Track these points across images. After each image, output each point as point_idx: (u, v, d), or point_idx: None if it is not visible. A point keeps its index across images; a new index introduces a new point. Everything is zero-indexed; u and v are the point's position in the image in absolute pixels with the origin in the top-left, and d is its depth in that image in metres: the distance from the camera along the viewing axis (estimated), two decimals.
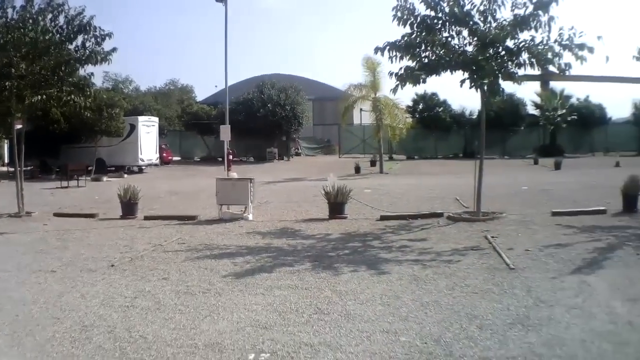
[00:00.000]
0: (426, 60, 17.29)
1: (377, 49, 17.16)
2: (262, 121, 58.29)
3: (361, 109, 53.60)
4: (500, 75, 17.38)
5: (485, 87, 17.29)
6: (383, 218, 18.65)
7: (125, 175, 46.53)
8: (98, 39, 21.11)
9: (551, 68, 17.17)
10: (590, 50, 16.24)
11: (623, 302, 8.97)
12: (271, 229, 17.42)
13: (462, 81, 17.39)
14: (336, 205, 19.21)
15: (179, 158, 64.05)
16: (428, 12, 17.10)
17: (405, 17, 16.87)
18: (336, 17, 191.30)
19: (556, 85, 69.53)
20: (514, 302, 9.17)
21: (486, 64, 16.92)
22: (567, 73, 17.09)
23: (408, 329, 8.03)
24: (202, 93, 76.72)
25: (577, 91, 68.22)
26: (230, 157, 46.66)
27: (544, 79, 64.28)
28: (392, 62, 17.31)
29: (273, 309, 9.16)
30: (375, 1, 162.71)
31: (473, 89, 17.52)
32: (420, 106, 66.94)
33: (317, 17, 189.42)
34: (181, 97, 77.33)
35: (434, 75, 17.44)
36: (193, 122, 63.28)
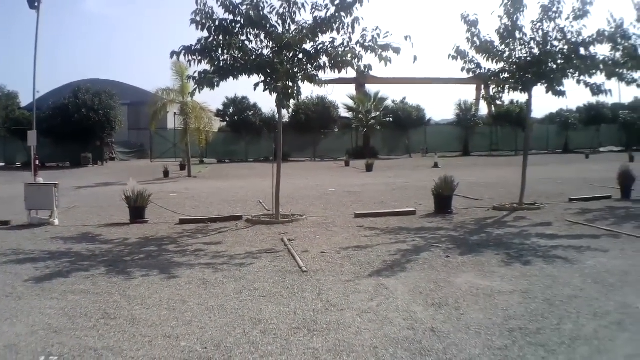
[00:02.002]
0: (222, 64, 17.18)
1: (173, 53, 16.74)
2: (77, 126, 56.73)
3: (175, 113, 53.21)
4: (297, 78, 17.42)
5: (280, 90, 17.26)
6: (182, 222, 18.36)
7: None
8: None
9: (351, 70, 17.23)
10: (396, 50, 16.28)
11: (426, 307, 8.89)
12: (74, 233, 16.78)
13: (257, 84, 17.30)
14: (136, 210, 18.76)
15: (2, 164, 62.27)
16: (227, 15, 16.85)
17: (203, 21, 16.71)
18: (154, 24, 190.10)
19: (371, 87, 71.22)
20: (302, 305, 9.06)
21: (281, 67, 16.91)
22: (367, 74, 17.31)
23: (190, 334, 7.93)
24: (26, 99, 74.50)
25: (393, 93, 69.88)
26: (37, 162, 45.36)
27: (351, 82, 65.71)
28: (190, 65, 17.07)
29: (64, 313, 9.02)
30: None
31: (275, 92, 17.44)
32: (231, 110, 67.00)
33: (136, 23, 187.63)
34: (6, 103, 75.11)
35: (230, 79, 17.26)
36: (14, 128, 61.56)
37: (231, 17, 16.82)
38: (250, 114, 66.28)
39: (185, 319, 8.59)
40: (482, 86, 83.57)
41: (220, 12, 16.91)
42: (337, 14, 16.58)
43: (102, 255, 13.67)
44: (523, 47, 19.53)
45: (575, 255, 12.32)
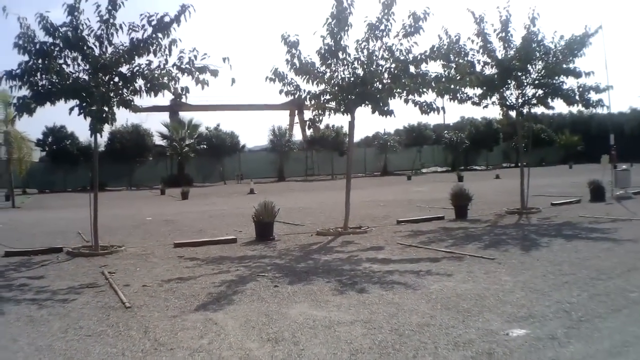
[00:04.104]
0: (40, 89, 16.29)
1: None
2: None
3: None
4: (112, 102, 16.85)
5: (94, 115, 16.49)
6: (8, 254, 17.27)
7: None
8: None
9: (166, 97, 16.75)
10: (214, 73, 16.02)
11: (261, 343, 8.20)
12: None
13: (72, 108, 16.50)
14: None
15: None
16: (47, 38, 16.10)
17: (25, 44, 15.85)
18: None
19: (186, 115, 71.04)
20: (130, 345, 8.33)
21: (96, 90, 16.27)
22: (184, 97, 16.91)
23: None
24: None
25: (208, 120, 70.36)
26: None
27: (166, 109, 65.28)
28: (12, 91, 16.21)
29: None
30: None
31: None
32: (50, 139, 66.29)
33: None
34: None
35: (47, 104, 16.43)
36: None
37: (51, 39, 16.19)
38: (67, 143, 64.86)
39: None
40: (296, 111, 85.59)
41: (41, 35, 16.22)
42: (154, 35, 16.30)
43: None
44: (346, 67, 19.21)
45: (415, 279, 11.82)
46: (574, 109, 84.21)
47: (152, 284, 12.54)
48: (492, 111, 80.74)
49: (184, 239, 18.93)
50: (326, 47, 18.89)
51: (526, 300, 9.89)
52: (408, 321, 8.85)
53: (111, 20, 16.39)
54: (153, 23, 16.13)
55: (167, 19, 16.18)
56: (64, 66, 16.52)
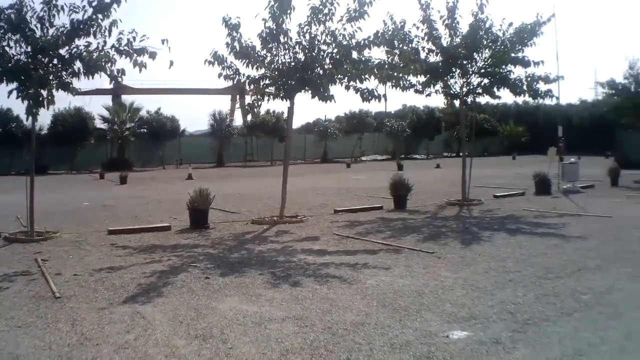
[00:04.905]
0: None
1: None
2: None
3: None
4: (50, 84, 16.36)
5: (30, 97, 16.04)
6: None
7: None
8: None
9: (104, 75, 16.36)
10: (152, 55, 15.61)
11: (189, 339, 7.93)
12: None
13: (10, 92, 16.15)
14: None
15: None
16: None
17: None
18: None
19: (128, 98, 70.52)
20: (57, 339, 8.04)
21: (35, 73, 15.93)
22: (120, 80, 16.87)
23: None
24: None
25: (150, 104, 69.84)
26: None
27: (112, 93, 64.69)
28: None
29: None
30: None
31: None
32: None
33: None
34: None
35: None
36: None
37: None
38: (13, 126, 63.54)
39: None
40: (237, 96, 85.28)
41: None
42: (94, 16, 15.85)
43: None
44: (287, 51, 18.89)
45: (351, 273, 11.52)
46: (520, 100, 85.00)
47: (83, 273, 12.20)
48: (435, 100, 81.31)
49: (119, 226, 18.46)
50: (267, 31, 18.54)
51: (467, 299, 9.58)
52: (342, 319, 8.55)
53: (53, 1, 16.01)
54: (94, 4, 15.73)
55: None
56: (7, 48, 16.23)
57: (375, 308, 9.09)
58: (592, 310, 8.98)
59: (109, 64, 16.03)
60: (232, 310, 9.22)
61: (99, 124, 69.49)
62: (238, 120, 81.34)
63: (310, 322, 8.45)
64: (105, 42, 16.10)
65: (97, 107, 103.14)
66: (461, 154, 27.14)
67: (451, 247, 14.44)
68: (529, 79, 23.42)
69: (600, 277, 11.11)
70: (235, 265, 12.68)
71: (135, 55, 15.74)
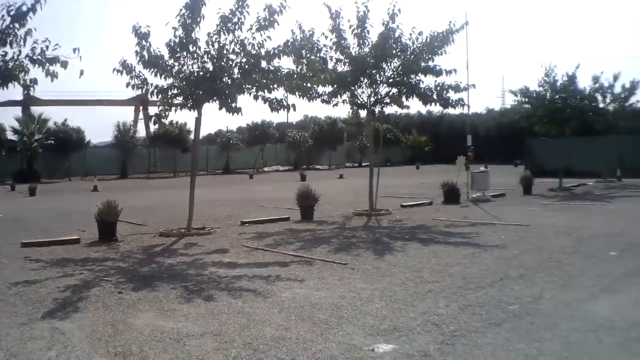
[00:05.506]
0: None
1: None
2: None
3: None
4: None
5: None
6: None
7: None
8: None
9: (18, 86, 15.96)
10: (64, 64, 15.20)
11: (109, 357, 7.67)
12: None
13: None
14: None
15: None
16: None
17: None
18: None
19: (39, 110, 70.98)
20: None
21: None
22: (33, 90, 16.03)
23: None
24: None
25: (58, 116, 69.52)
26: None
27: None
28: None
29: None
30: None
31: None
32: None
33: None
34: None
35: None
36: None
37: None
38: None
39: None
40: (141, 107, 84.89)
41: None
42: (11, 25, 15.41)
43: None
44: (196, 61, 18.74)
45: (265, 286, 11.37)
46: (424, 110, 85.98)
47: (2, 287, 12.02)
48: (338, 110, 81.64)
49: (30, 238, 18.22)
50: (176, 40, 18.36)
51: (388, 311, 9.45)
52: (262, 334, 8.36)
53: None
54: (12, 13, 15.39)
55: (24, 8, 15.43)
56: None
57: (294, 322, 8.91)
58: (522, 320, 8.86)
59: (23, 74, 15.71)
60: (148, 326, 8.98)
61: (10, 135, 69.18)
62: (142, 131, 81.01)
63: (229, 337, 8.25)
64: (20, 51, 15.73)
65: (9, 119, 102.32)
66: (365, 164, 27.27)
67: (364, 257, 14.35)
68: (438, 88, 23.56)
69: (526, 286, 11.03)
70: (147, 279, 12.45)
71: (47, 64, 15.40)
